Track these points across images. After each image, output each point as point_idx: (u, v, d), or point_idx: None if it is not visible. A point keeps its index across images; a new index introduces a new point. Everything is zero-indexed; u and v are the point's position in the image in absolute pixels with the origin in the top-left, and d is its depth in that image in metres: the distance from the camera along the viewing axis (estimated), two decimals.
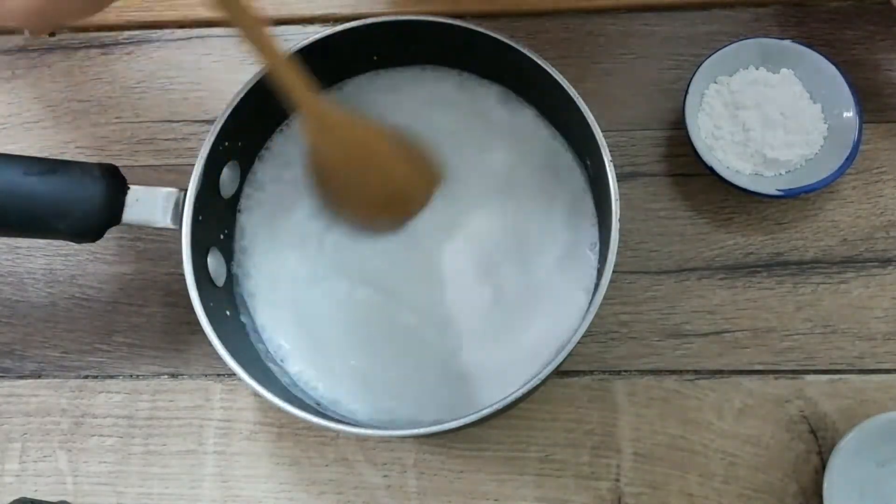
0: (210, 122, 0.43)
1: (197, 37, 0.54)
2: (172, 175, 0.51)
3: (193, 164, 0.42)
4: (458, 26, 0.43)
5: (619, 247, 0.39)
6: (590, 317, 0.39)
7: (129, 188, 0.42)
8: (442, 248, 0.45)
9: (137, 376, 0.48)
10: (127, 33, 0.55)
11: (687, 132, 0.47)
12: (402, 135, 0.44)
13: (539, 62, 0.42)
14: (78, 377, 0.49)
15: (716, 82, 0.49)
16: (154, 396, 0.48)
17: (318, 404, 0.43)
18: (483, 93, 0.48)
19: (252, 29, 0.38)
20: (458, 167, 0.46)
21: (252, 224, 0.47)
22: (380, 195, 0.44)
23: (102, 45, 0.55)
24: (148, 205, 0.42)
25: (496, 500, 0.45)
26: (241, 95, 0.43)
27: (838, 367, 0.46)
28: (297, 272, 0.45)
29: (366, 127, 0.43)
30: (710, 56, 0.48)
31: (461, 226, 0.45)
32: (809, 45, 0.48)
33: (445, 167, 0.45)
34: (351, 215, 0.44)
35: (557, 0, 0.53)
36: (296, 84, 0.40)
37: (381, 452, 0.46)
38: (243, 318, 0.45)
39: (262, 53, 0.39)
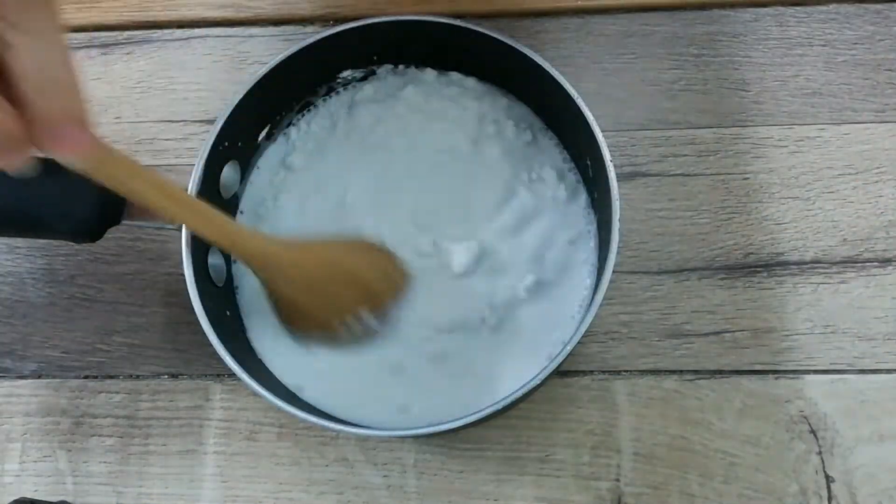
0: (210, 122, 0.43)
1: (197, 37, 0.54)
2: (172, 175, 0.51)
3: (193, 164, 0.42)
4: (458, 26, 0.43)
5: (619, 247, 0.39)
6: (590, 317, 0.39)
7: None
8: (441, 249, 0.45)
9: (137, 376, 0.48)
10: (127, 33, 0.55)
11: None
12: (351, 242, 0.44)
13: (539, 62, 0.42)
14: (78, 377, 0.49)
15: None
16: (154, 396, 0.48)
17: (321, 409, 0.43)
18: (483, 93, 0.48)
19: (160, 198, 0.34)
20: (456, 168, 0.46)
21: (251, 223, 0.47)
22: (353, 305, 0.43)
23: (102, 45, 0.55)
24: None
25: (496, 500, 0.45)
26: (241, 95, 0.43)
27: (838, 367, 0.46)
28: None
29: (316, 250, 0.42)
30: None
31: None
32: None
33: (405, 266, 0.44)
34: (329, 334, 0.43)
35: (557, 0, 0.53)
36: (233, 236, 0.39)
37: (381, 452, 0.46)
38: (243, 318, 0.45)
39: (185, 222, 0.37)
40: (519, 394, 0.38)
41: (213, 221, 0.38)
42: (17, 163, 0.27)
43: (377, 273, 0.43)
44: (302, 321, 0.43)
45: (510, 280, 0.44)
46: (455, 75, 0.48)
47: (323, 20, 0.54)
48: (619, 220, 0.40)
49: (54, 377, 0.49)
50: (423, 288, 0.44)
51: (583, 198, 0.45)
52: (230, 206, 0.46)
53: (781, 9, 0.52)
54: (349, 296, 0.42)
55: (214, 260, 0.44)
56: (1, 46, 0.25)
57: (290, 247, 0.41)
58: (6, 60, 0.25)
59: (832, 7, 0.52)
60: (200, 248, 0.43)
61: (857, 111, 0.50)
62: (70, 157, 0.28)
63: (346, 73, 0.48)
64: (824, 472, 0.44)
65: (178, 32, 0.55)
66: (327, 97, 0.48)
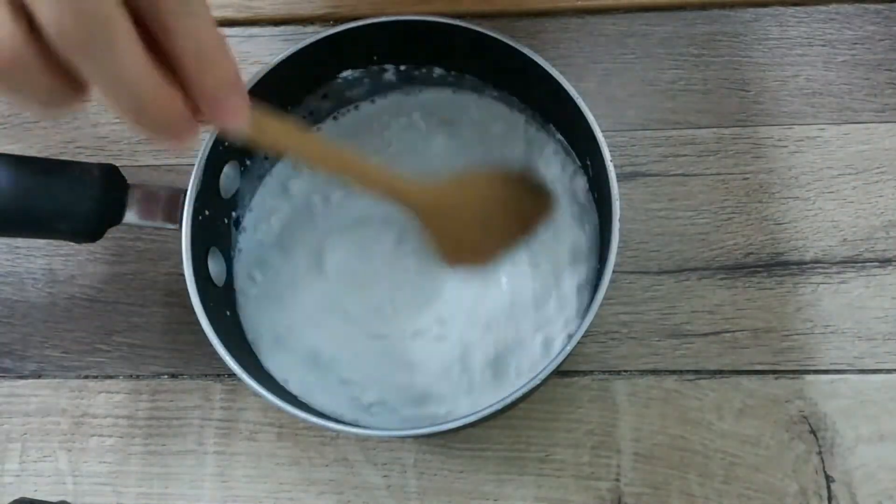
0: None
1: None
2: (172, 175, 0.51)
3: (193, 164, 0.42)
4: (458, 27, 0.43)
5: (619, 247, 0.39)
6: (590, 317, 0.39)
7: (129, 188, 0.42)
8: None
9: (137, 376, 0.48)
10: None
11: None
12: (499, 174, 0.45)
13: (539, 62, 0.42)
14: (78, 377, 0.49)
15: None
16: (154, 396, 0.48)
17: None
18: (482, 93, 0.48)
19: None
20: (457, 170, 0.46)
21: (252, 225, 0.47)
22: (509, 235, 0.45)
23: None
24: (148, 205, 0.42)
25: (496, 500, 0.45)
26: None
27: (838, 367, 0.46)
28: (295, 275, 0.45)
29: (472, 186, 0.44)
30: None
31: None
32: None
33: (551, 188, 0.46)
34: (481, 258, 0.45)
35: (557, 0, 0.53)
36: (403, 190, 0.40)
37: (381, 452, 0.46)
38: (243, 318, 0.45)
39: (343, 177, 0.39)
40: (519, 394, 0.38)
41: (369, 174, 0.40)
42: (188, 140, 0.28)
43: (525, 201, 0.45)
44: (464, 255, 0.45)
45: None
46: (456, 75, 0.48)
47: (323, 20, 0.54)
48: (620, 220, 0.40)
49: (54, 377, 0.49)
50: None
51: (582, 197, 0.46)
52: (230, 205, 0.46)
53: (781, 9, 0.52)
54: (506, 226, 0.45)
55: (214, 260, 0.44)
56: (161, 33, 0.26)
57: (447, 189, 0.43)
58: (166, 45, 0.26)
59: (832, 7, 0.52)
60: (200, 248, 0.43)
61: (857, 111, 0.50)
62: (234, 124, 0.29)
63: (346, 73, 0.48)
64: (824, 472, 0.44)
65: None
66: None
